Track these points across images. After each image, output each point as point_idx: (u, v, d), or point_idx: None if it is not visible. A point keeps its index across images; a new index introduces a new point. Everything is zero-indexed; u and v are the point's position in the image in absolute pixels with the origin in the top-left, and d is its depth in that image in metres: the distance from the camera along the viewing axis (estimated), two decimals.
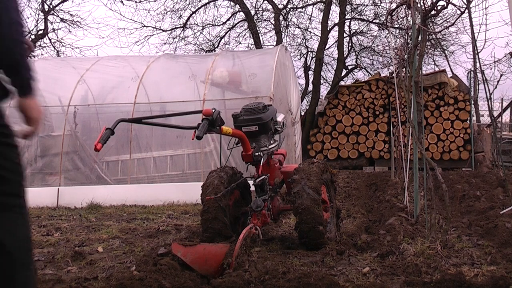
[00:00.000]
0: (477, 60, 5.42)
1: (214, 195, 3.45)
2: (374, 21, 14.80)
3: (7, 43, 1.58)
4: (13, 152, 1.60)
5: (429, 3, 3.76)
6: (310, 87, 15.17)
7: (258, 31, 15.30)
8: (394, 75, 5.89)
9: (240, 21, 15.79)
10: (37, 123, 1.73)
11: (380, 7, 14.25)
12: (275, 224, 4.40)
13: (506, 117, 16.15)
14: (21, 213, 1.60)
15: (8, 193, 1.57)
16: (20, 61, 1.63)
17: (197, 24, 15.57)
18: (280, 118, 3.78)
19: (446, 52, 13.79)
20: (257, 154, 3.49)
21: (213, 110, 3.07)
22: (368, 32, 15.79)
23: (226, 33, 15.85)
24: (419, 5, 3.85)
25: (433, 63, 15.19)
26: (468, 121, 10.78)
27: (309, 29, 16.00)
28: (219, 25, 15.75)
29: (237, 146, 3.67)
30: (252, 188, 3.71)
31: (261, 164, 3.52)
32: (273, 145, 3.69)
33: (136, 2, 14.58)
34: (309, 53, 16.19)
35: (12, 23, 1.59)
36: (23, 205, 1.62)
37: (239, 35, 15.97)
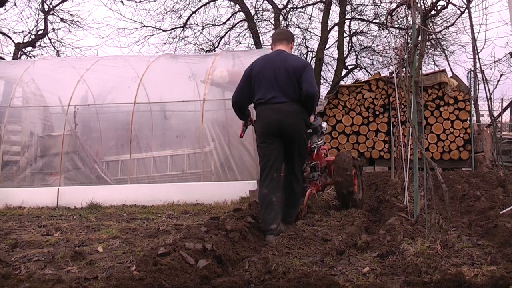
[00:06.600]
0: (477, 60, 5.41)
1: None
2: (374, 21, 14.82)
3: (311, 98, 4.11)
4: None
5: (429, 3, 3.76)
6: None
7: (258, 31, 15.31)
8: (394, 75, 5.89)
9: (240, 21, 15.80)
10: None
11: (380, 7, 14.27)
12: None
13: (506, 117, 16.17)
14: None
15: None
16: (314, 104, 4.18)
17: (197, 24, 15.59)
18: (324, 124, 5.27)
19: (446, 52, 13.83)
20: (312, 146, 4.93)
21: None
22: (368, 32, 15.82)
23: (226, 33, 15.87)
24: (419, 5, 3.84)
25: (433, 63, 15.23)
26: (468, 121, 10.76)
27: (309, 29, 16.02)
28: (219, 25, 15.77)
29: None
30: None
31: (314, 153, 5.03)
32: (320, 142, 5.17)
33: (136, 2, 14.62)
34: (309, 53, 16.20)
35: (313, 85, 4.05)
36: None
37: (239, 35, 15.99)
